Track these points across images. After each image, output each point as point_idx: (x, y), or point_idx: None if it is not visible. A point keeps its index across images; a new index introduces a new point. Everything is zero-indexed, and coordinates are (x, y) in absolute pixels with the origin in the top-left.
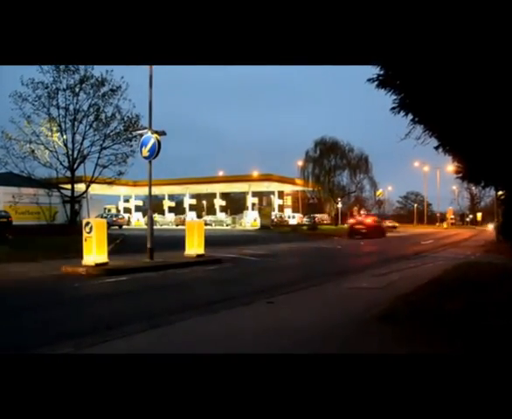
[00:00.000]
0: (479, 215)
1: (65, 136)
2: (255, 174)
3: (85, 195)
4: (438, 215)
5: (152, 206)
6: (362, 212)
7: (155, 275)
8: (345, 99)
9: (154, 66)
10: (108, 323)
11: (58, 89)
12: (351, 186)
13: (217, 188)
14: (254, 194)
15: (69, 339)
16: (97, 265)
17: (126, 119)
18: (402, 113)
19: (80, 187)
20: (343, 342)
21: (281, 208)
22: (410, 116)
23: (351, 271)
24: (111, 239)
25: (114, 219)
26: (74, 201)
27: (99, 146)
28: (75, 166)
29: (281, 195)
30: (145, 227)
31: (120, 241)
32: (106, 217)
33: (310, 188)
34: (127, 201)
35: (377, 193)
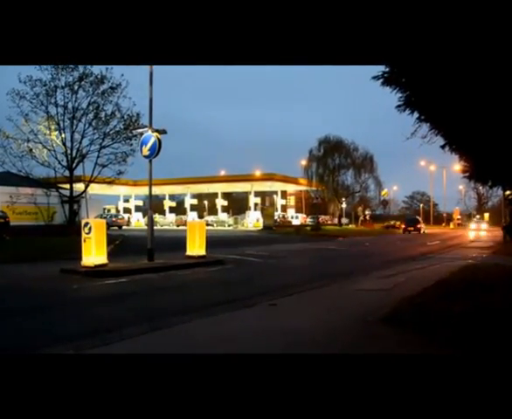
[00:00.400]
0: (486, 215)
1: (63, 135)
2: (258, 173)
3: (84, 195)
4: (444, 215)
5: (152, 206)
6: (366, 212)
7: (156, 276)
8: (350, 97)
9: None
10: (108, 325)
11: (56, 87)
12: (356, 186)
13: (219, 188)
14: (257, 194)
15: (68, 341)
16: (96, 267)
17: (126, 117)
18: (407, 112)
19: (79, 186)
20: (346, 345)
21: (284, 208)
22: (415, 114)
23: (356, 273)
24: (110, 240)
25: (114, 219)
26: (73, 201)
27: (98, 145)
28: (74, 165)
29: (284, 194)
30: (145, 227)
31: (119, 242)
32: (105, 218)
33: (314, 188)
34: (126, 201)
35: (382, 193)
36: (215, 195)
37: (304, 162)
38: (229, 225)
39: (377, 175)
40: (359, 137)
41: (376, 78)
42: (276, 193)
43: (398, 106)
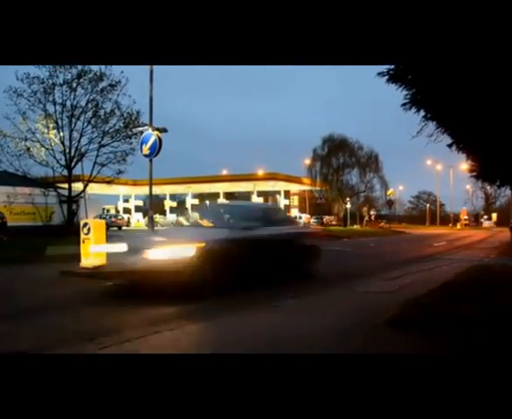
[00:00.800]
0: (494, 215)
1: (61, 133)
2: (260, 172)
3: (82, 195)
4: (451, 215)
5: (153, 206)
6: (371, 212)
7: None
8: (354, 95)
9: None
10: (108, 328)
11: (54, 84)
12: (360, 185)
13: (221, 188)
14: (259, 193)
15: (66, 345)
16: (95, 268)
17: (125, 115)
18: (413, 110)
19: (78, 186)
20: (352, 349)
21: (288, 208)
22: (422, 112)
23: (361, 274)
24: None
25: (114, 220)
26: (72, 201)
27: (97, 143)
28: (72, 164)
29: (288, 194)
30: (145, 228)
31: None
32: (104, 218)
33: (318, 188)
34: (126, 201)
35: (388, 192)
36: (217, 194)
37: (308, 161)
38: None
39: (382, 174)
40: (364, 136)
41: (381, 74)
42: (279, 193)
43: (404, 103)
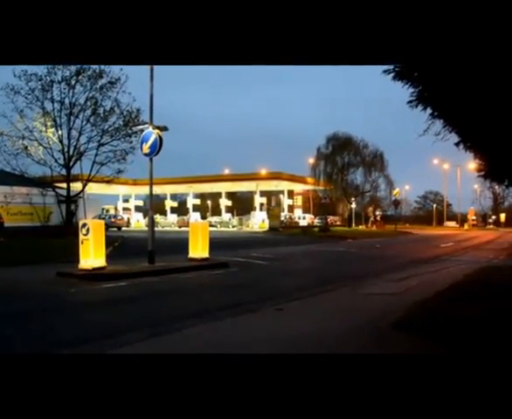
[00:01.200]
0: (502, 215)
1: (60, 132)
2: (263, 172)
3: (81, 195)
4: (458, 215)
5: (153, 206)
6: (377, 213)
7: (157, 280)
8: (359, 93)
9: None
10: (107, 331)
11: (52, 81)
12: (366, 185)
13: (223, 188)
14: (262, 193)
15: (65, 348)
16: (94, 269)
17: (125, 113)
18: (420, 107)
19: (77, 186)
20: (356, 352)
21: (291, 208)
22: (428, 110)
23: (366, 276)
24: (109, 242)
25: (113, 220)
26: (70, 201)
27: (96, 142)
28: (71, 163)
29: (291, 194)
30: (146, 229)
31: (119, 244)
32: (104, 218)
33: (322, 188)
34: (126, 201)
35: (394, 192)
36: (219, 194)
37: (312, 160)
38: (233, 226)
39: (387, 173)
40: (369, 134)
41: (387, 72)
42: (282, 192)
43: (410, 101)
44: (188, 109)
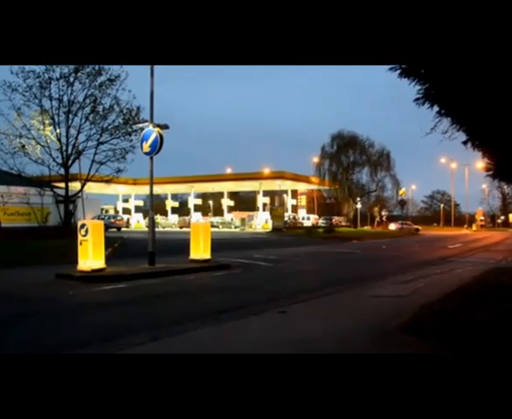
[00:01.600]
0: (511, 216)
1: (58, 130)
2: (266, 171)
3: (80, 195)
4: (466, 216)
5: (153, 207)
6: (383, 213)
7: (157, 282)
8: (364, 90)
9: None
10: (105, 334)
11: (50, 78)
12: (371, 184)
13: (225, 187)
14: (265, 193)
15: (63, 351)
16: (93, 271)
17: (125, 111)
18: (427, 105)
19: (75, 185)
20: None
21: (295, 208)
22: (435, 108)
23: (372, 278)
24: (109, 243)
25: (112, 221)
26: (68, 201)
27: (95, 140)
28: (69, 162)
29: (295, 194)
30: (146, 229)
31: (118, 245)
32: (103, 219)
33: (327, 187)
34: (126, 201)
35: (400, 192)
36: (221, 194)
37: (316, 159)
38: (236, 227)
39: (394, 173)
40: (375, 132)
41: (393, 69)
42: (286, 192)
43: (417, 99)
44: (188, 107)
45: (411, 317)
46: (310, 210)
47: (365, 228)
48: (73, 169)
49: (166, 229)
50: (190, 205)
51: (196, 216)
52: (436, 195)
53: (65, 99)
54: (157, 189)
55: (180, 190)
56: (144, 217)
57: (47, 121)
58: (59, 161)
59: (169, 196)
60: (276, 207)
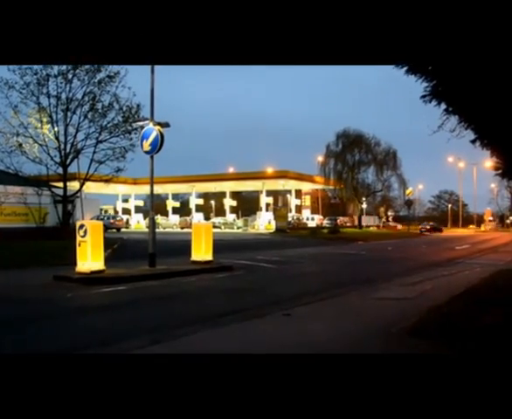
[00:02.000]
0: None
1: (56, 128)
2: (270, 170)
3: (78, 195)
4: (474, 216)
5: (154, 207)
6: (389, 213)
7: (158, 284)
8: (370, 87)
9: None
10: (105, 338)
11: (48, 75)
12: (377, 184)
13: (227, 187)
14: (269, 193)
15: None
16: (92, 273)
17: (125, 109)
18: (434, 103)
19: (74, 185)
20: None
21: (299, 208)
22: (443, 106)
23: (378, 280)
24: (108, 244)
25: (112, 221)
26: (67, 201)
27: (94, 139)
28: (68, 161)
29: (299, 194)
30: (146, 230)
31: (118, 246)
32: (102, 219)
33: (331, 187)
34: (126, 201)
35: (407, 192)
36: (223, 194)
37: (321, 158)
38: (238, 228)
39: (400, 172)
40: (381, 131)
41: (399, 66)
42: (290, 192)
43: (424, 96)
44: (189, 105)
45: (418, 320)
46: (314, 211)
47: (371, 229)
48: (72, 168)
49: (167, 229)
50: (192, 205)
51: (197, 217)
52: (443, 195)
53: (64, 96)
54: (158, 189)
55: (181, 190)
56: (144, 218)
57: (45, 119)
58: (57, 159)
59: (170, 196)
60: (279, 207)
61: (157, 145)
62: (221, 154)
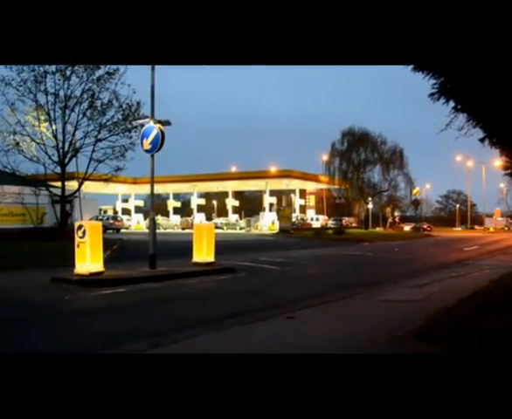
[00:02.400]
0: None
1: (54, 126)
2: (273, 169)
3: (77, 195)
4: (483, 216)
5: (155, 207)
6: (396, 214)
7: (158, 286)
8: (376, 84)
9: None
10: (104, 341)
11: (46, 72)
12: (384, 184)
13: (230, 187)
14: (272, 192)
15: None
16: (91, 275)
17: (124, 106)
18: (442, 100)
19: (72, 185)
20: None
21: (303, 209)
22: (451, 103)
23: (384, 282)
24: (107, 245)
25: (111, 222)
26: (65, 201)
27: (93, 137)
28: (66, 160)
29: (303, 194)
30: (146, 231)
31: (117, 247)
32: (101, 220)
33: (336, 187)
34: (125, 201)
35: (414, 192)
36: (225, 194)
37: (325, 157)
38: (241, 228)
39: (407, 171)
40: (387, 129)
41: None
42: (294, 192)
43: (432, 93)
44: (191, 102)
45: (425, 323)
46: (319, 211)
47: (377, 229)
48: (70, 168)
49: (168, 230)
50: (193, 205)
51: (199, 217)
52: (451, 195)
53: (62, 93)
54: (158, 189)
55: (182, 190)
56: (145, 218)
57: (42, 117)
58: (55, 158)
59: (171, 196)
60: (283, 207)
61: (158, 143)
62: (223, 153)
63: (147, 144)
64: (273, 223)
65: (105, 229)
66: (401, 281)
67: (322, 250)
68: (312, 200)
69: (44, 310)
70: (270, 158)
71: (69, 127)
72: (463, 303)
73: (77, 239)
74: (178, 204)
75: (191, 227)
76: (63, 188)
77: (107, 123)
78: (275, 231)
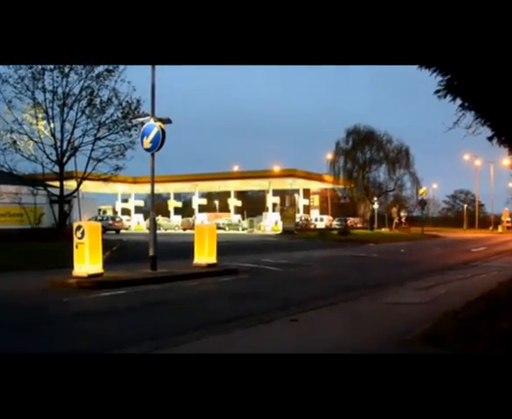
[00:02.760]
0: None
1: (52, 124)
2: (276, 169)
3: (76, 194)
4: (492, 217)
5: (155, 207)
6: (402, 214)
7: (159, 288)
8: (382, 81)
9: None
10: (103, 345)
11: (44, 69)
12: (389, 183)
13: (232, 186)
14: (275, 192)
15: None
16: (90, 276)
17: (124, 104)
18: (449, 98)
19: (71, 184)
20: None
21: (307, 209)
22: (458, 101)
23: (389, 284)
24: (107, 246)
25: (111, 222)
26: (63, 201)
27: (92, 136)
28: (64, 159)
29: (307, 193)
30: (147, 231)
31: (117, 248)
32: (101, 220)
33: (341, 186)
34: (125, 201)
35: (420, 191)
36: (227, 194)
37: (330, 156)
38: (243, 229)
39: (413, 171)
40: (393, 128)
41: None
42: (298, 191)
43: (438, 91)
44: (192, 100)
45: (432, 326)
46: (324, 211)
47: (382, 230)
48: (69, 167)
49: (168, 231)
50: (195, 205)
51: (200, 217)
52: (459, 195)
53: (60, 91)
54: (159, 188)
55: (183, 189)
56: (145, 218)
57: (40, 115)
58: (54, 157)
59: (172, 196)
60: (287, 207)
61: (158, 142)
62: (225, 152)
63: (147, 142)
64: (276, 223)
65: (104, 229)
66: (407, 283)
67: (327, 252)
68: (316, 200)
69: (41, 313)
70: (273, 157)
71: (67, 126)
72: (471, 306)
73: (76, 240)
74: (179, 204)
75: (193, 227)
76: (61, 187)
77: (107, 121)
78: (279, 232)
